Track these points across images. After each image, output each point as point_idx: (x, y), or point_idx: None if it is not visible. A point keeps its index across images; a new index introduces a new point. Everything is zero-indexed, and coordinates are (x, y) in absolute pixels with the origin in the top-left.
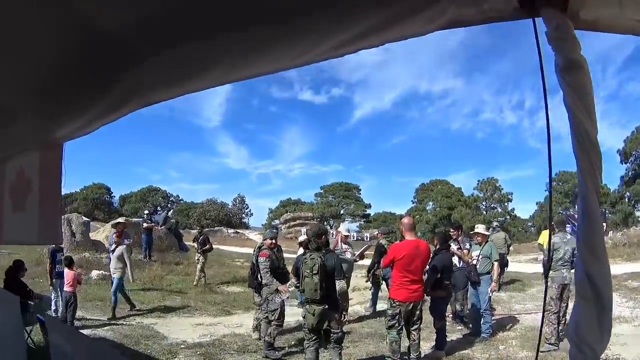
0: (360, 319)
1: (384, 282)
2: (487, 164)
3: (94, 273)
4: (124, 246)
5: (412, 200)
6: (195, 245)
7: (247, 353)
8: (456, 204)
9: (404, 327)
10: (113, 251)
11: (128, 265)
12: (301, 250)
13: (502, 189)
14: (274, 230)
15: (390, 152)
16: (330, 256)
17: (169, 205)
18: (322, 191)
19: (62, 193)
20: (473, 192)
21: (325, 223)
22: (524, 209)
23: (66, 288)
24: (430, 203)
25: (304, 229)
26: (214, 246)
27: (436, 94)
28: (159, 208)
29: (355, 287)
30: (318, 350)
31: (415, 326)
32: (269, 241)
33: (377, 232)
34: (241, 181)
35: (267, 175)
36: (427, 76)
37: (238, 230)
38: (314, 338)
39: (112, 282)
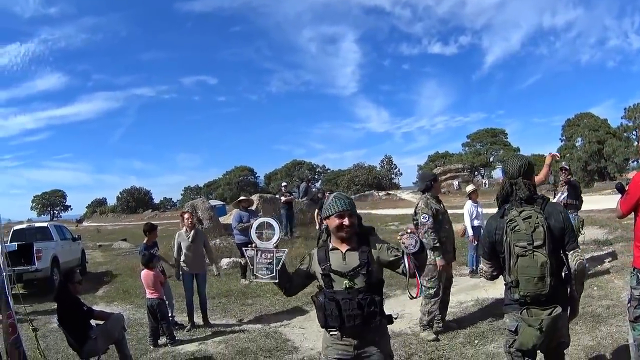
0: None
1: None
2: (622, 92)
3: (224, 261)
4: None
5: (560, 138)
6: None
7: None
8: (605, 137)
9: None
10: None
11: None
12: (469, 203)
13: None
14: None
15: (527, 93)
16: (554, 208)
17: (315, 177)
18: (469, 140)
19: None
20: (621, 122)
21: (476, 173)
22: None
23: (148, 295)
24: (579, 139)
25: (456, 182)
26: (365, 210)
27: (560, 28)
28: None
29: None
30: None
31: None
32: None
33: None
34: (386, 143)
35: (411, 134)
36: (547, 10)
37: (389, 192)
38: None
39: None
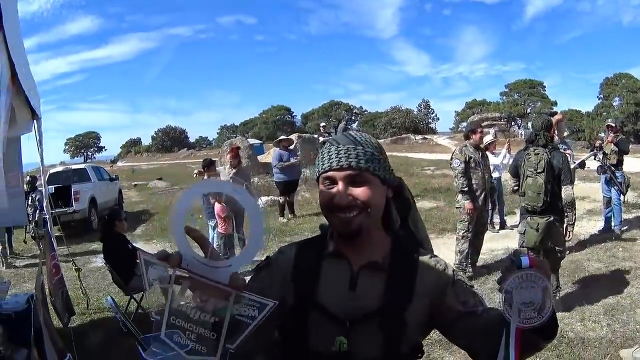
0: (583, 244)
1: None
2: None
3: (263, 199)
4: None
5: (597, 97)
6: None
7: None
8: None
9: None
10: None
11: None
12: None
13: None
14: None
15: (567, 48)
16: (558, 154)
17: (352, 118)
18: (507, 90)
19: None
20: None
21: (512, 123)
22: None
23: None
24: (617, 99)
25: (492, 130)
26: (402, 154)
27: None
28: (342, 121)
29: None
30: None
31: None
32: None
33: None
34: (424, 86)
35: (449, 79)
36: None
37: (426, 136)
38: None
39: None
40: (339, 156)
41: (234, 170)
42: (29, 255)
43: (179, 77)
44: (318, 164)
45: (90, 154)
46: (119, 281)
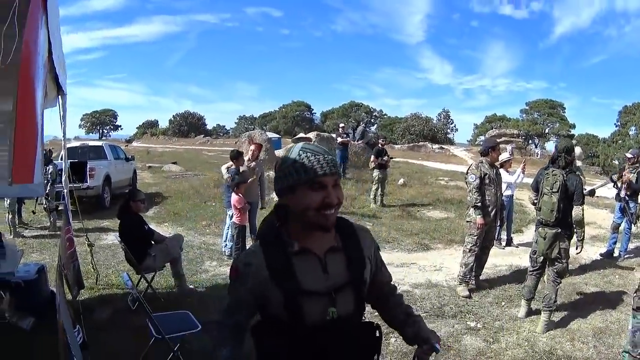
0: (583, 269)
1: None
2: None
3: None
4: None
5: (615, 123)
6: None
7: (442, 318)
8: None
9: None
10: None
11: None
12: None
13: None
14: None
15: (590, 72)
16: (573, 177)
17: (372, 120)
18: (527, 107)
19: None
20: None
21: (529, 142)
22: None
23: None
24: (633, 128)
25: (509, 147)
26: (417, 162)
27: (632, 12)
28: (361, 123)
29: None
30: (539, 278)
31: None
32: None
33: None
34: (446, 96)
35: (471, 91)
36: None
37: (443, 146)
38: (538, 267)
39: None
40: (329, 164)
41: (253, 163)
42: (38, 226)
43: (201, 64)
44: (306, 170)
45: (105, 131)
46: (132, 259)
